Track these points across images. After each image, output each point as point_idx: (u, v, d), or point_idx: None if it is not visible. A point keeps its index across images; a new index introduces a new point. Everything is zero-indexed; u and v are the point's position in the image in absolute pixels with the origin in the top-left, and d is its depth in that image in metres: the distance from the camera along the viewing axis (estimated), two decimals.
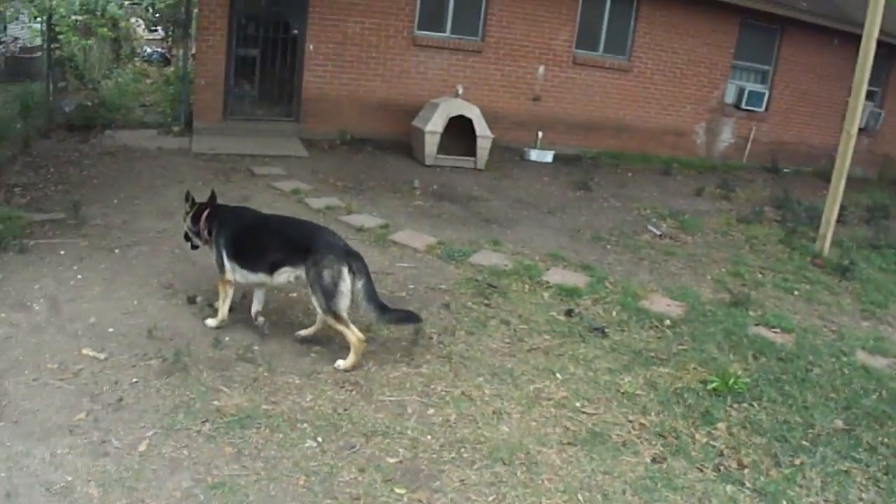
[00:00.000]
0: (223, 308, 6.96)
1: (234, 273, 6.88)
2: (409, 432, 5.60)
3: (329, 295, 6.36)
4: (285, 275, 6.68)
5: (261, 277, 6.83)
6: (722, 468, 5.58)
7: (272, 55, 15.65)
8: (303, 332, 6.86)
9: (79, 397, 5.69)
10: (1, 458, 4.91)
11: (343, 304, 6.39)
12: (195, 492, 4.81)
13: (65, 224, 9.23)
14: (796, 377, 7.04)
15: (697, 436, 5.95)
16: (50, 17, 10.50)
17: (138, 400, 5.71)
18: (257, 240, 6.92)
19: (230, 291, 6.95)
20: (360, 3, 15.38)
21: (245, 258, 6.83)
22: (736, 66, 18.89)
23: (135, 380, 5.98)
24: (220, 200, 7.44)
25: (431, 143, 14.18)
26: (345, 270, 6.36)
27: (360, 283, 6.41)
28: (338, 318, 6.40)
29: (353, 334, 6.41)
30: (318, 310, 6.53)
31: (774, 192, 15.65)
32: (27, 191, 10.52)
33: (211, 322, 6.98)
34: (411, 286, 8.35)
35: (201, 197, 7.48)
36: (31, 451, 5.02)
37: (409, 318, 6.79)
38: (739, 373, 6.91)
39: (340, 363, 6.42)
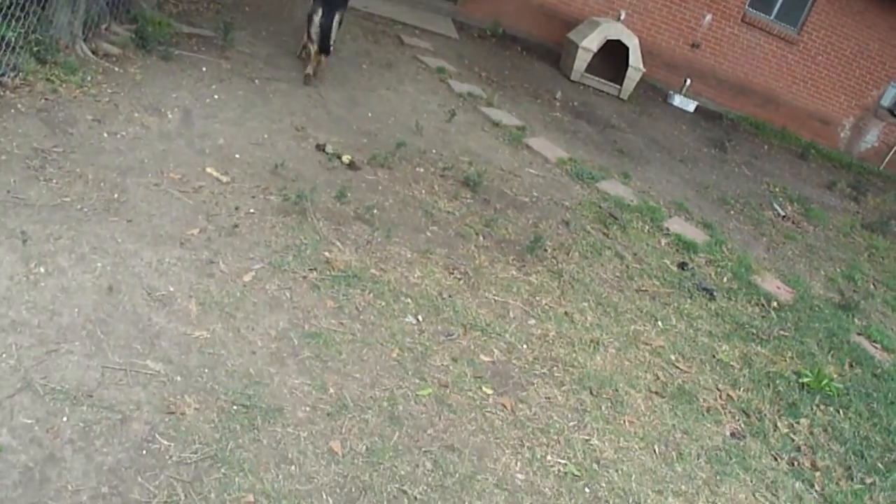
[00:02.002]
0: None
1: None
2: (507, 336, 5.61)
3: (309, 22, 9.20)
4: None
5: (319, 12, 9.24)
6: (796, 463, 5.51)
7: None
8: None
9: (195, 213, 5.76)
10: (109, 252, 5.01)
11: (312, 30, 9.13)
12: (290, 335, 4.87)
13: (211, 42, 9.25)
14: (887, 398, 6.87)
15: (779, 424, 5.87)
16: None
17: (252, 231, 5.77)
18: None
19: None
20: None
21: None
22: None
23: (252, 210, 6.04)
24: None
25: (582, 60, 13.88)
26: (319, 10, 9.05)
27: (322, 19, 9.03)
28: (309, 37, 9.23)
29: (314, 48, 9.18)
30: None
31: None
32: (180, 1, 10.52)
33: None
34: (535, 194, 8.27)
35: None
36: (139, 252, 5.12)
37: (325, 50, 9.26)
38: (834, 376, 6.77)
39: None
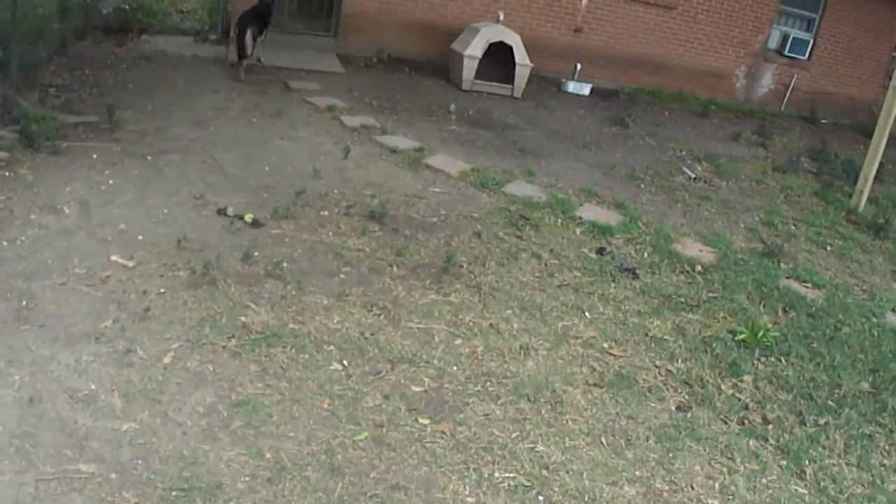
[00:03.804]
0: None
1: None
2: (435, 362, 5.57)
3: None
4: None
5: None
6: (746, 422, 5.55)
7: None
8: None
9: (106, 304, 5.67)
10: (26, 362, 4.92)
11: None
12: (219, 408, 4.80)
13: (98, 128, 9.16)
14: (825, 335, 6.97)
15: (723, 387, 5.91)
16: None
17: (165, 311, 5.69)
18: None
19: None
20: None
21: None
22: (782, 12, 18.48)
23: (162, 290, 5.96)
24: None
25: (469, 68, 13.95)
26: (237, 29, 12.33)
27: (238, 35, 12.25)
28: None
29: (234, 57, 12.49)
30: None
31: (812, 143, 15.39)
32: (61, 92, 10.43)
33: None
34: (443, 212, 8.26)
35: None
36: (56, 356, 5.02)
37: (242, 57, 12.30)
38: (769, 326, 6.84)
39: None
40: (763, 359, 6.38)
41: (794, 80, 18.66)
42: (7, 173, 7.54)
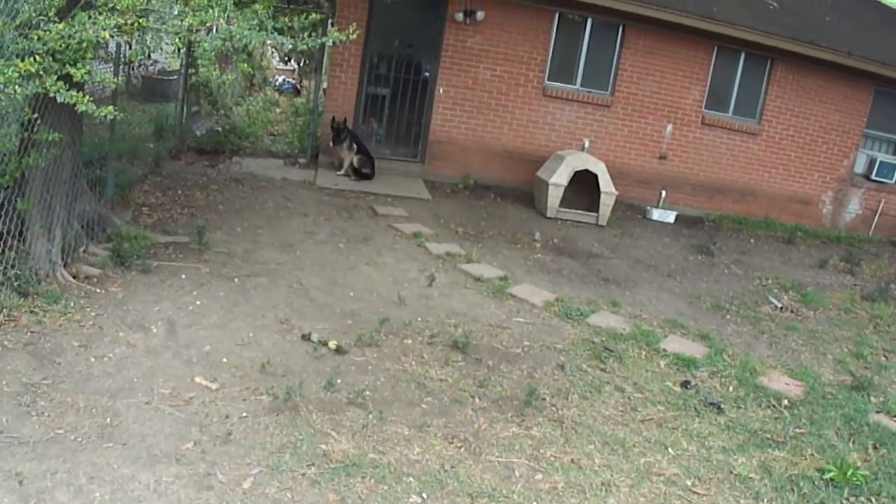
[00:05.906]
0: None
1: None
2: (515, 497, 5.51)
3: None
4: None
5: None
6: None
7: (402, 95, 15.76)
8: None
9: (188, 426, 5.77)
10: (106, 479, 5.00)
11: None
12: None
13: (188, 248, 9.43)
14: None
15: None
16: (189, 45, 10.76)
17: (246, 435, 5.77)
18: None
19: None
20: (493, 50, 15.42)
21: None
22: (868, 136, 18.32)
23: (244, 414, 6.05)
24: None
25: (555, 196, 14.09)
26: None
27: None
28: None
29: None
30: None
31: None
32: (154, 211, 10.78)
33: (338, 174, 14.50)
34: (526, 343, 8.27)
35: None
36: (136, 475, 5.10)
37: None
38: (858, 463, 6.64)
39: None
40: (852, 498, 6.18)
41: (881, 205, 18.40)
42: (98, 290, 7.78)
